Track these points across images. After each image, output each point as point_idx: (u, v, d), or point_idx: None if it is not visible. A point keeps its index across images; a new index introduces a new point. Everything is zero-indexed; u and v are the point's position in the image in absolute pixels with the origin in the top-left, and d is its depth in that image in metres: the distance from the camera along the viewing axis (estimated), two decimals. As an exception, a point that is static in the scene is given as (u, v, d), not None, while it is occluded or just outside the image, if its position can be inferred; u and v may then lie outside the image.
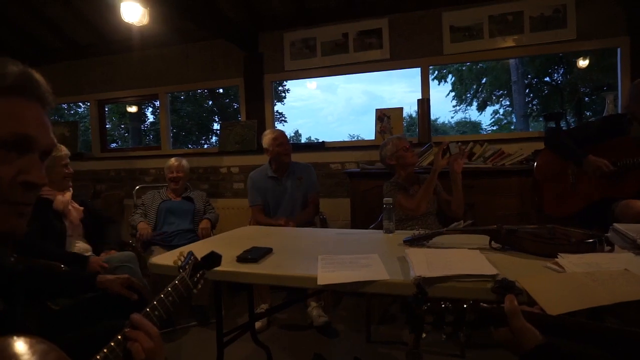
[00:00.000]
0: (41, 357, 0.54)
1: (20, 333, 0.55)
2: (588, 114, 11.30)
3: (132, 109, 11.28)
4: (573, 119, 9.20)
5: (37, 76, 0.72)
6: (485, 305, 0.82)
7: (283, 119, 15.40)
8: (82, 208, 2.42)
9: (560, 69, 11.96)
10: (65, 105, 12.48)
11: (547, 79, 12.32)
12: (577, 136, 2.39)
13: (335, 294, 3.05)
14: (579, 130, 2.51)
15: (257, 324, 2.58)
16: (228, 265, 1.41)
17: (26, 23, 4.43)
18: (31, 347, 0.54)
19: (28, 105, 0.69)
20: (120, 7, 3.10)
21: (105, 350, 0.73)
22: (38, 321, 0.85)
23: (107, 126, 5.54)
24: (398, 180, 2.56)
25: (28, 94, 0.70)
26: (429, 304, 0.81)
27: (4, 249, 0.80)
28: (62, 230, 2.27)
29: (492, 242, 1.50)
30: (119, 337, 0.75)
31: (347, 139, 11.80)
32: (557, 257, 1.24)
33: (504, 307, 0.79)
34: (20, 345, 0.53)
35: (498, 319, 0.79)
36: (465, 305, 0.81)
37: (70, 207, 2.35)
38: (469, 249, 1.42)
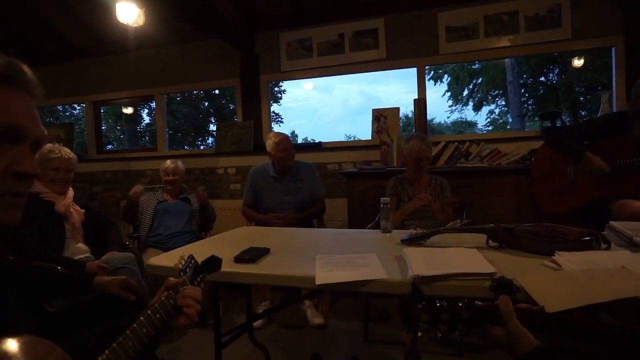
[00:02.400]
0: (42, 357, 0.54)
1: (21, 334, 0.54)
2: (583, 113, 11.36)
3: (128, 110, 11.25)
4: (568, 119, 9.27)
5: (24, 67, 0.71)
6: (479, 303, 0.82)
7: (279, 119, 15.39)
8: (83, 211, 2.41)
9: (556, 69, 12.01)
10: (60, 107, 12.44)
11: (542, 78, 12.36)
12: (577, 133, 2.37)
13: (333, 293, 3.05)
14: (579, 127, 2.48)
15: (257, 322, 2.61)
16: (226, 265, 1.40)
17: (21, 24, 4.41)
18: (29, 347, 0.54)
19: (16, 95, 0.68)
20: (115, 8, 3.09)
21: (163, 298, 0.88)
22: (37, 323, 0.84)
23: (103, 128, 5.50)
24: (406, 175, 2.67)
25: (16, 84, 0.68)
26: (423, 303, 0.81)
27: None
28: (61, 233, 2.26)
29: (490, 241, 1.51)
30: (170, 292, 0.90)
31: (343, 139, 11.76)
32: (554, 255, 1.25)
33: (498, 305, 0.80)
34: (16, 346, 0.53)
35: (493, 316, 0.80)
36: (460, 304, 0.81)
37: (71, 210, 2.34)
38: (467, 247, 1.43)
